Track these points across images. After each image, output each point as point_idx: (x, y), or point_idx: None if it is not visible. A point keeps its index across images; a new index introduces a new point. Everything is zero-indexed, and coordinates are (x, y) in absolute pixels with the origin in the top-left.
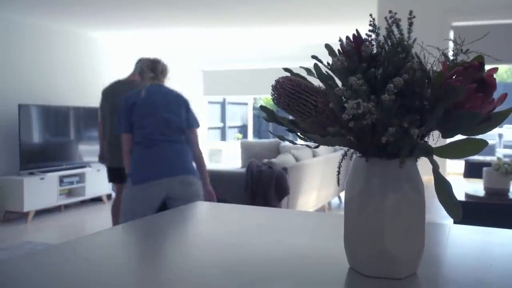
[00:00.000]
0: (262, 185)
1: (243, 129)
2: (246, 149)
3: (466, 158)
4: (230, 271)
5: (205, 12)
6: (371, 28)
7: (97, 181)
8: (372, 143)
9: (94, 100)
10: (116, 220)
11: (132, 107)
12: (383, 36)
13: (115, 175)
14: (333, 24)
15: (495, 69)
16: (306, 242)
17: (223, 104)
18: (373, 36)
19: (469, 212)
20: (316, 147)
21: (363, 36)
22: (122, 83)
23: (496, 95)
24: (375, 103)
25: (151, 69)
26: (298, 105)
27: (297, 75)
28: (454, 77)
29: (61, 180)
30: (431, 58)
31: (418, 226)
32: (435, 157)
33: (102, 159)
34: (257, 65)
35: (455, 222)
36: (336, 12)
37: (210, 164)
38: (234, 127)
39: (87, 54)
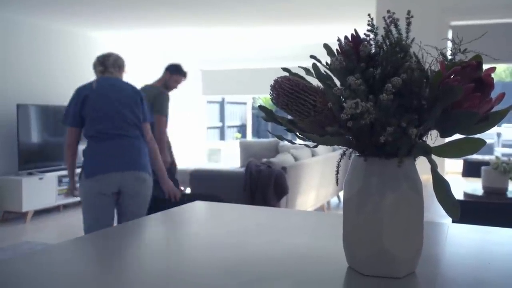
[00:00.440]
0: (261, 184)
1: (242, 129)
2: (245, 149)
3: (464, 157)
4: (229, 271)
5: (204, 11)
6: (369, 28)
7: None
8: (371, 142)
9: None
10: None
11: (84, 100)
12: (382, 36)
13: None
14: (331, 24)
15: (493, 69)
16: (305, 241)
17: (222, 104)
18: (372, 36)
19: (468, 211)
20: (315, 146)
21: (362, 36)
22: (146, 87)
23: (494, 94)
24: (373, 103)
25: (101, 62)
26: (296, 105)
27: (296, 74)
28: (452, 76)
29: (60, 180)
30: (429, 58)
31: (417, 225)
32: (434, 157)
33: None
34: (256, 65)
35: (453, 221)
36: (334, 12)
37: (209, 164)
38: (233, 126)
39: (86, 54)
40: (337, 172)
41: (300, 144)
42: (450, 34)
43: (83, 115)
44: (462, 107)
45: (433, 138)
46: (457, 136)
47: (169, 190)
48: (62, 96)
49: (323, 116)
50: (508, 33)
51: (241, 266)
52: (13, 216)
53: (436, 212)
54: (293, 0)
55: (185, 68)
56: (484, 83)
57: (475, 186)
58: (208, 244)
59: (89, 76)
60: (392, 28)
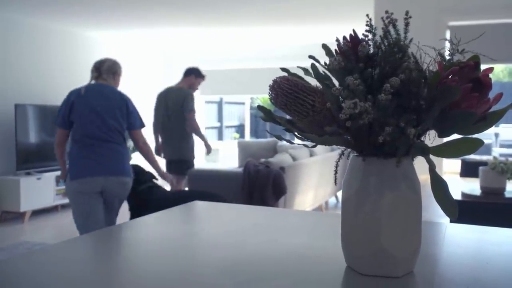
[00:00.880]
0: (259, 184)
1: (240, 129)
2: (243, 149)
3: (462, 157)
4: (227, 270)
5: (203, 11)
6: (367, 28)
7: None
8: (369, 142)
9: None
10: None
11: (72, 104)
12: (380, 36)
13: (171, 167)
14: (329, 24)
15: (491, 69)
16: (304, 241)
17: (220, 104)
18: (370, 36)
19: (466, 211)
20: (314, 146)
21: (360, 36)
22: (172, 89)
23: (492, 94)
24: (372, 103)
25: (96, 68)
26: (295, 105)
27: (295, 75)
28: (450, 77)
29: (58, 180)
30: (428, 58)
31: (415, 225)
32: (432, 156)
33: (158, 153)
34: (254, 65)
35: (451, 221)
36: (333, 12)
37: (207, 164)
38: (231, 126)
39: (84, 54)
40: (336, 172)
41: (298, 144)
42: (448, 34)
43: (71, 119)
44: (460, 107)
45: (431, 138)
46: (455, 136)
47: (171, 179)
48: (61, 96)
49: (322, 116)
50: (506, 34)
51: (239, 265)
52: (11, 216)
53: (434, 212)
54: (292, 0)
55: (183, 68)
56: (482, 83)
57: (473, 186)
58: (206, 244)
59: (87, 76)
60: (391, 28)
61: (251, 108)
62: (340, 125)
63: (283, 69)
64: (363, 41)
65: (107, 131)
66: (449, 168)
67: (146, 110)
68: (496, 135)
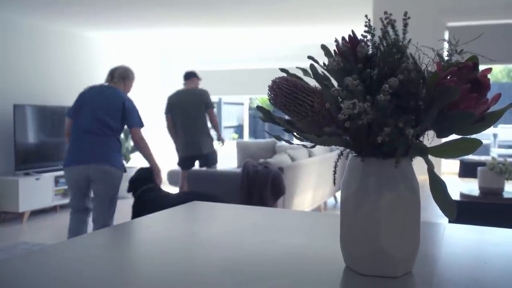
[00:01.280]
0: (258, 185)
1: (239, 129)
2: (242, 149)
3: (461, 158)
4: (226, 270)
5: (202, 12)
6: (366, 28)
7: None
8: (368, 143)
9: None
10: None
11: (78, 99)
12: (379, 36)
13: (185, 163)
14: (328, 25)
15: (489, 70)
16: (302, 241)
17: (218, 104)
18: (369, 36)
19: (464, 212)
20: (312, 147)
21: (359, 36)
22: (187, 91)
23: (490, 95)
24: (370, 103)
25: (110, 73)
26: (294, 105)
27: (294, 75)
28: (448, 77)
29: (57, 180)
30: (426, 59)
31: (414, 225)
32: (430, 157)
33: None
34: (253, 65)
35: (450, 221)
36: (331, 13)
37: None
38: (230, 127)
39: (83, 54)
40: (335, 172)
41: (297, 145)
42: (446, 35)
43: (75, 112)
44: (459, 108)
45: (430, 139)
46: (453, 137)
47: (158, 173)
48: (60, 97)
49: (321, 117)
50: (504, 34)
51: (238, 265)
52: (9, 217)
53: (432, 213)
54: (291, 1)
55: (182, 68)
56: (481, 84)
57: (471, 187)
58: (205, 244)
59: (87, 76)
60: (389, 29)
61: (250, 108)
62: (339, 125)
63: (282, 70)
64: (362, 41)
65: (98, 125)
66: (448, 168)
67: (146, 110)
68: (495, 135)
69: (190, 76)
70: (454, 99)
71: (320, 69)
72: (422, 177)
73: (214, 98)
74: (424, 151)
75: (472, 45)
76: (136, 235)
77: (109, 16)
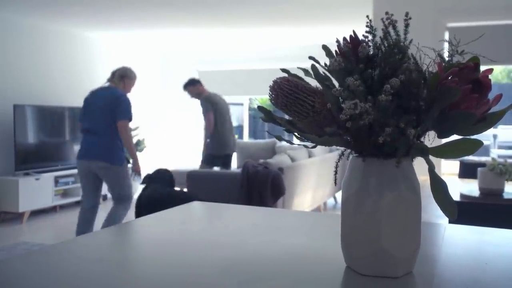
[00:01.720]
0: (258, 185)
1: (238, 130)
2: (242, 150)
3: (461, 159)
4: (226, 270)
5: (202, 12)
6: (367, 29)
7: None
8: (369, 143)
9: None
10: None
11: (83, 104)
12: (380, 37)
13: (215, 161)
14: (329, 25)
15: (490, 70)
16: (303, 241)
17: None
18: (370, 37)
19: (464, 212)
20: (314, 147)
21: (360, 37)
22: (216, 94)
23: (490, 95)
24: (372, 104)
25: (112, 73)
26: (295, 106)
27: (295, 75)
28: (449, 78)
29: (57, 180)
30: (427, 59)
31: (414, 225)
32: (431, 157)
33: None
34: (253, 66)
35: (450, 222)
36: (332, 13)
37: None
38: None
39: (83, 54)
40: (336, 172)
41: (298, 145)
42: (446, 36)
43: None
44: (460, 108)
45: (431, 139)
46: (454, 137)
47: (137, 169)
48: (59, 97)
49: (322, 117)
50: (505, 35)
51: (239, 265)
52: (9, 217)
53: (432, 213)
54: (291, 2)
55: (182, 68)
56: (482, 84)
57: (472, 187)
58: (205, 244)
59: (87, 77)
60: (390, 29)
61: (250, 109)
62: (340, 125)
63: (283, 70)
64: (363, 42)
65: (99, 125)
66: (448, 169)
67: (147, 110)
68: (495, 136)
69: (195, 83)
70: (455, 100)
71: (321, 70)
72: (423, 178)
73: None
74: (425, 152)
75: (472, 46)
76: (136, 235)
77: (109, 16)
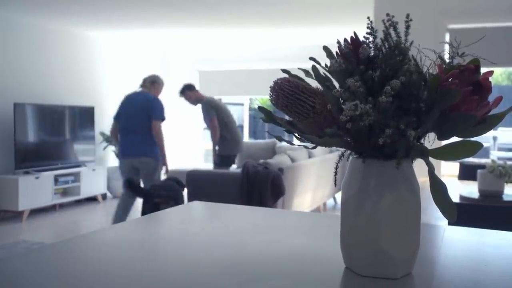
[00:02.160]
0: (258, 185)
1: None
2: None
3: (461, 160)
4: (226, 271)
5: (202, 12)
6: (368, 30)
7: (92, 181)
8: (369, 144)
9: (90, 99)
10: None
11: (119, 106)
12: (381, 38)
13: (229, 160)
14: (329, 26)
15: (491, 72)
16: (303, 242)
17: None
18: (371, 38)
19: (464, 214)
20: (314, 147)
21: (361, 38)
22: (212, 100)
23: (491, 98)
24: (372, 105)
25: (144, 80)
26: (296, 106)
27: (295, 76)
28: (450, 80)
29: (56, 179)
30: (428, 61)
31: (414, 226)
32: (431, 159)
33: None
34: (254, 66)
35: (449, 224)
36: (333, 14)
37: (206, 164)
38: None
39: (83, 53)
40: (336, 173)
41: (298, 145)
42: (447, 37)
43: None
44: (460, 110)
45: (431, 141)
46: (454, 139)
47: (164, 166)
48: (60, 96)
49: (322, 118)
50: (505, 37)
51: (239, 266)
52: (9, 215)
53: (432, 215)
54: (292, 2)
55: (182, 68)
56: (482, 86)
57: (471, 189)
58: (205, 244)
59: (87, 76)
60: (391, 31)
61: (250, 109)
62: (340, 126)
63: (284, 71)
64: (364, 43)
65: (137, 125)
66: (448, 171)
67: None
68: (494, 138)
69: (193, 88)
70: (456, 102)
71: (322, 70)
72: (422, 179)
73: None
74: (425, 153)
75: (473, 48)
76: (136, 235)
77: (109, 15)
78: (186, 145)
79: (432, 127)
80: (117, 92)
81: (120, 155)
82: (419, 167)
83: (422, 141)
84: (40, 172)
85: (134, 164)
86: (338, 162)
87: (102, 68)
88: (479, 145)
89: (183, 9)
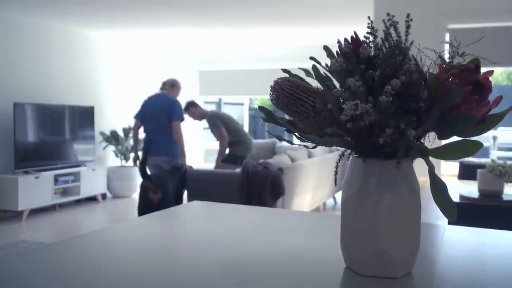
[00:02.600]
0: (258, 185)
1: None
2: None
3: (460, 160)
4: (226, 270)
5: (202, 12)
6: (368, 30)
7: (92, 181)
8: (369, 143)
9: (89, 99)
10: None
11: (143, 105)
12: (381, 38)
13: (236, 161)
14: (329, 26)
15: (491, 72)
16: (303, 241)
17: (219, 105)
18: (371, 38)
19: (464, 213)
20: (314, 147)
21: (361, 38)
22: (216, 112)
23: (491, 97)
24: (372, 105)
25: (163, 83)
26: (296, 106)
27: (295, 76)
28: (450, 79)
29: (56, 179)
30: (428, 61)
31: (414, 226)
32: (431, 158)
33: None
34: (254, 66)
35: (449, 223)
36: (332, 14)
37: (206, 164)
38: None
39: (84, 53)
40: (336, 172)
41: (298, 145)
42: (447, 37)
43: (141, 115)
44: (460, 110)
45: (431, 140)
46: (454, 139)
47: (184, 163)
48: (60, 95)
49: (323, 117)
50: (505, 37)
51: (239, 265)
52: (9, 215)
53: (432, 214)
54: (291, 2)
55: (182, 68)
56: (482, 86)
57: (471, 189)
58: (205, 244)
59: (87, 75)
60: (391, 30)
61: (250, 109)
62: (340, 126)
63: (284, 70)
64: (364, 43)
65: (159, 126)
66: (447, 170)
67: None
68: (494, 138)
69: (195, 104)
70: (456, 101)
71: (322, 70)
72: (422, 179)
73: (214, 98)
74: (425, 153)
75: (473, 48)
76: (136, 234)
77: (109, 15)
78: (186, 145)
79: (432, 127)
80: (117, 92)
81: (144, 152)
82: (419, 166)
83: (422, 140)
84: (40, 172)
85: (157, 162)
86: (338, 162)
87: (102, 68)
88: (479, 145)
89: (183, 9)
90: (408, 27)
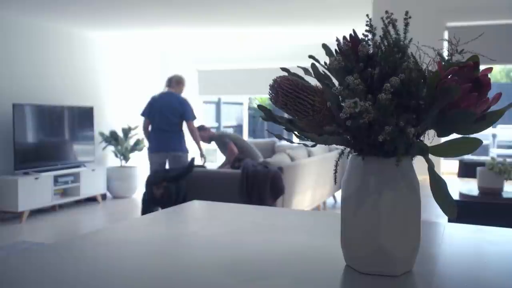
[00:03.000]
0: (258, 184)
1: (238, 129)
2: None
3: (460, 158)
4: (227, 270)
5: (201, 12)
6: (367, 28)
7: (92, 181)
8: (369, 141)
9: (89, 99)
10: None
11: (150, 104)
12: (380, 36)
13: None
14: (328, 25)
15: (490, 69)
16: (303, 240)
17: (218, 104)
18: (370, 36)
19: (463, 211)
20: (313, 146)
21: (360, 36)
22: (220, 132)
23: (490, 95)
24: (372, 102)
25: (169, 80)
26: (295, 105)
27: (295, 74)
28: (449, 76)
29: (56, 180)
30: (427, 58)
31: (414, 224)
32: (431, 156)
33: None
34: (253, 65)
35: (449, 221)
36: (331, 13)
37: (205, 164)
38: (229, 127)
39: (82, 53)
40: (335, 171)
41: (298, 144)
42: (446, 35)
43: (150, 113)
44: (459, 107)
45: (430, 138)
46: (454, 136)
47: (203, 156)
48: (58, 96)
49: (322, 116)
50: (504, 34)
51: (239, 264)
52: (9, 216)
53: (432, 212)
54: (290, 2)
55: (182, 68)
56: (481, 83)
57: (471, 186)
58: (205, 243)
59: (86, 76)
60: (390, 28)
61: (249, 108)
62: (340, 124)
63: (283, 69)
64: (363, 41)
65: (168, 124)
66: (447, 168)
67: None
68: (494, 136)
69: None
70: (455, 98)
71: (321, 68)
72: (422, 177)
73: (213, 98)
74: (424, 150)
75: (471, 45)
76: (136, 234)
77: (109, 15)
78: (186, 145)
79: (432, 124)
80: (116, 92)
81: (152, 150)
82: (419, 164)
83: (421, 138)
84: (40, 172)
85: (165, 158)
86: (338, 160)
87: (101, 68)
88: (478, 142)
89: (182, 8)
90: (406, 24)
